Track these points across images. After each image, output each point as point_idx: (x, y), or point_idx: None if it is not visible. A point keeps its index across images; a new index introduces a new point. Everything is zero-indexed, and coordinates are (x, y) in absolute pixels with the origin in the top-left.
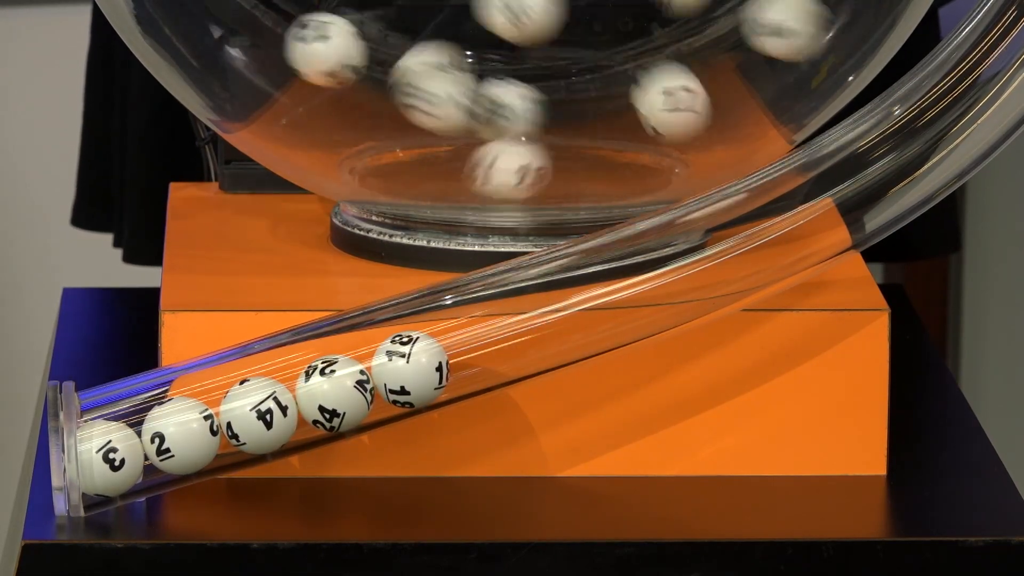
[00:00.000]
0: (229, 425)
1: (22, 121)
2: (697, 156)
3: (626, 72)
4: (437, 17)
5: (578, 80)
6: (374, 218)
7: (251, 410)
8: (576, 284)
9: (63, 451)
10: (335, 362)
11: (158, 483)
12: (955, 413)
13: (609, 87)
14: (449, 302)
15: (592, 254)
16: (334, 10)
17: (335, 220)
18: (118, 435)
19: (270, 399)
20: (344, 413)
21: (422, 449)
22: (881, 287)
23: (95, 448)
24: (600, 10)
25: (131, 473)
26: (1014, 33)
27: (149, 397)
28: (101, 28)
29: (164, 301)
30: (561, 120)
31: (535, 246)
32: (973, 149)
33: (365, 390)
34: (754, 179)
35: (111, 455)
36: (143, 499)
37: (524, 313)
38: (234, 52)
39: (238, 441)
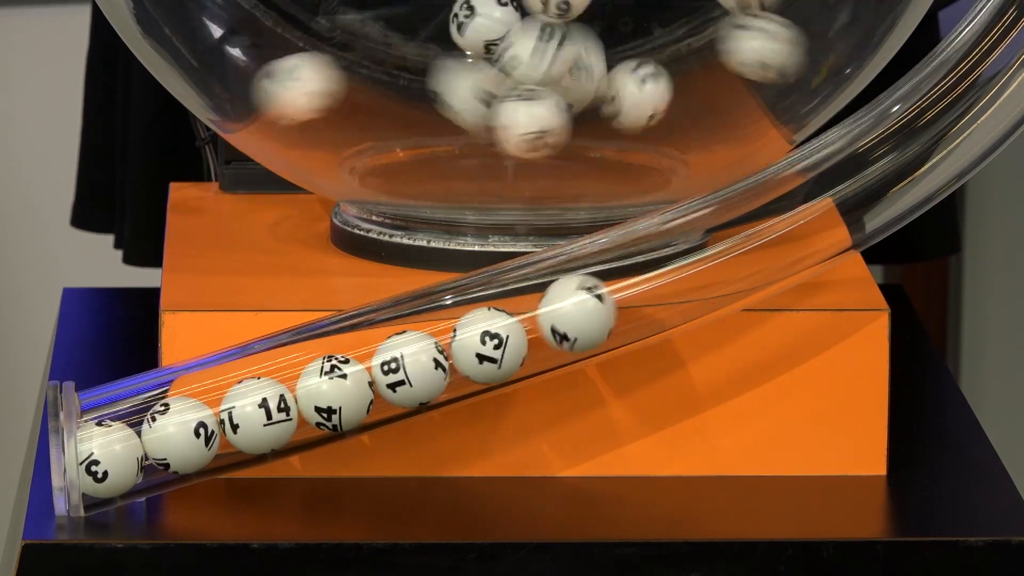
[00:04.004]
0: (230, 423)
1: (22, 121)
2: (697, 156)
3: None
4: (438, 16)
5: None
6: (374, 218)
7: (251, 411)
8: None
9: (63, 451)
10: (346, 362)
11: (158, 483)
12: (955, 413)
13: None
14: (449, 302)
15: (592, 254)
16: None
17: (335, 220)
18: (104, 439)
19: (270, 400)
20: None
21: (422, 449)
22: (881, 287)
23: (78, 460)
24: (600, 10)
25: (127, 476)
26: (1014, 33)
27: (149, 397)
28: (101, 28)
29: (164, 301)
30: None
31: (535, 246)
32: (973, 149)
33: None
34: (754, 179)
35: (93, 467)
36: (143, 499)
37: (524, 313)
38: (234, 52)
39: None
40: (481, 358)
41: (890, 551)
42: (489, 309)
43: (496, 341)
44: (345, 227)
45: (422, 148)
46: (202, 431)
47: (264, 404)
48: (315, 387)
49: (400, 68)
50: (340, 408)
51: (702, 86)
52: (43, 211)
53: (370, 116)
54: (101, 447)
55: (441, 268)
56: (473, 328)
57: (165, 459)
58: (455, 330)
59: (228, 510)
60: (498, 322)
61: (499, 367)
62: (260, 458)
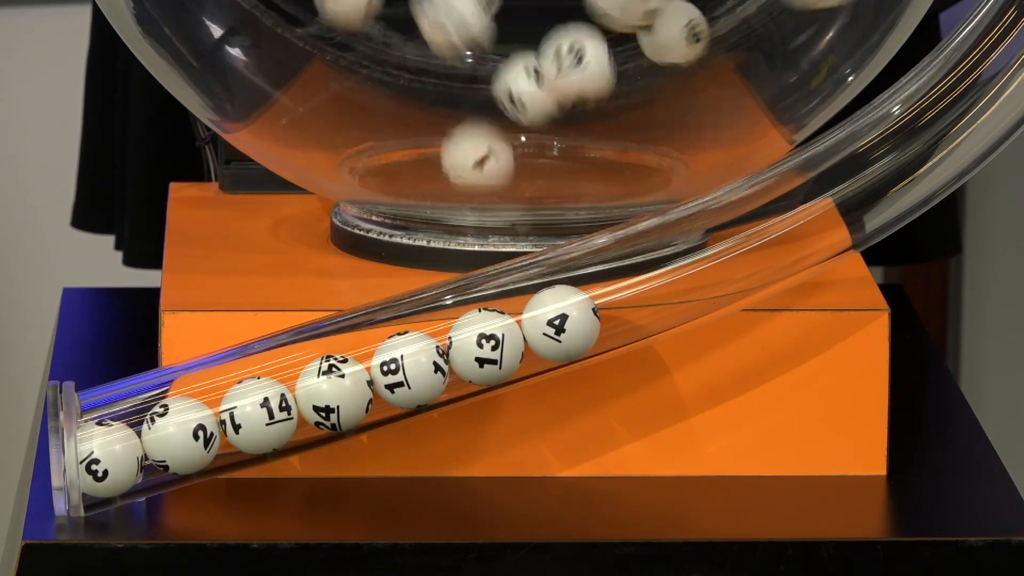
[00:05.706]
0: (231, 423)
1: (22, 122)
2: (697, 156)
3: (627, 72)
4: None
5: None
6: (374, 218)
7: (252, 410)
8: (576, 284)
9: (63, 451)
10: (344, 361)
11: (158, 483)
12: (955, 413)
13: None
14: (449, 302)
15: (592, 254)
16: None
17: (335, 220)
18: (105, 439)
19: (271, 399)
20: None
21: (422, 449)
22: (881, 287)
23: (78, 459)
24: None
25: (127, 476)
26: (1014, 33)
27: (149, 397)
28: (101, 28)
29: (164, 301)
30: (562, 120)
31: (535, 246)
32: (973, 149)
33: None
34: (754, 179)
35: (93, 466)
36: (143, 499)
37: (525, 313)
38: (234, 52)
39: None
40: (481, 361)
41: (890, 551)
42: (481, 311)
43: (493, 342)
44: (345, 227)
45: (422, 148)
46: (201, 433)
47: (266, 403)
48: (314, 387)
49: (400, 68)
50: (338, 407)
51: (702, 86)
52: (43, 211)
53: (370, 116)
54: (101, 446)
55: (441, 268)
56: (469, 330)
57: (164, 461)
58: (450, 337)
59: (228, 510)
60: (493, 323)
61: (499, 367)
62: (260, 458)
